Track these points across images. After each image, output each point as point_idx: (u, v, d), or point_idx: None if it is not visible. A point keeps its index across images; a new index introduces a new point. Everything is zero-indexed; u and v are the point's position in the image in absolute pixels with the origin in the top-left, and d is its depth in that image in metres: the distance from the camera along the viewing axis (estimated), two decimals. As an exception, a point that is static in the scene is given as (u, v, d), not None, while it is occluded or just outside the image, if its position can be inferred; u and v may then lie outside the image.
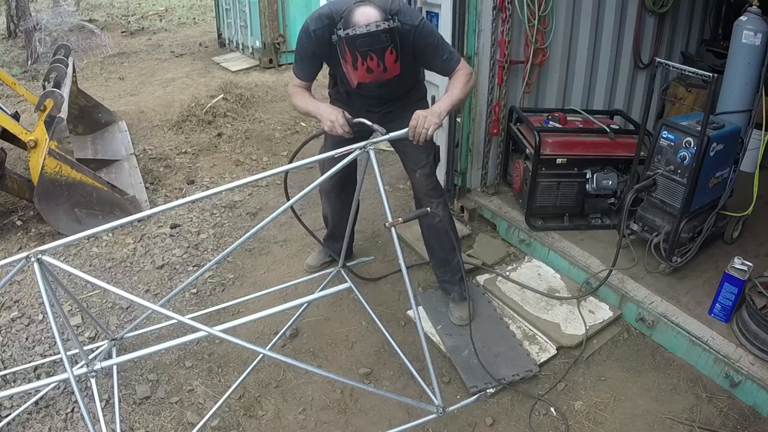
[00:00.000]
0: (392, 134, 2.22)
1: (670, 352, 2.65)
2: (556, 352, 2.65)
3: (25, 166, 4.20)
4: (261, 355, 2.42)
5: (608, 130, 3.33)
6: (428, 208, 2.20)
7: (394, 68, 2.11)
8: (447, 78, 2.42)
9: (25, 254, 1.82)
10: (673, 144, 2.81)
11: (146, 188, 4.21)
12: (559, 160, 3.23)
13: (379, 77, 2.12)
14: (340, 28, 2.08)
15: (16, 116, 4.31)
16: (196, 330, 1.86)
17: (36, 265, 1.81)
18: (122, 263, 3.42)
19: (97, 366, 1.84)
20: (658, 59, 2.90)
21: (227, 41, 9.14)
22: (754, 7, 3.50)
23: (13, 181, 3.62)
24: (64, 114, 3.63)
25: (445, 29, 3.41)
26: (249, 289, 3.13)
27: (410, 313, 2.87)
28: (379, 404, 2.42)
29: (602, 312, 2.86)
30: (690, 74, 2.80)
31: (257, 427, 2.34)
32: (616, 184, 3.26)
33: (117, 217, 3.49)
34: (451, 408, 2.12)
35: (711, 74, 2.58)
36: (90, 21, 11.24)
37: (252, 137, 5.42)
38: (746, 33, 3.52)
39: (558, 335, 2.71)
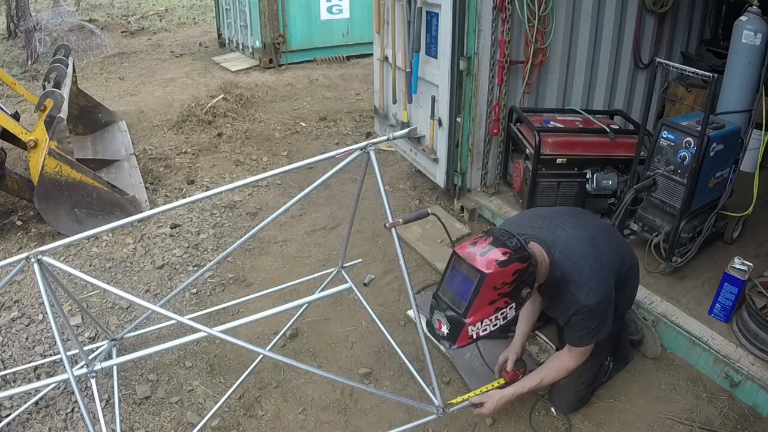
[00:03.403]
0: (394, 134, 2.23)
1: (670, 352, 2.65)
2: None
3: (25, 166, 4.20)
4: (261, 355, 2.41)
5: (608, 130, 3.32)
6: (428, 209, 2.20)
7: None
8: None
9: (25, 255, 1.82)
10: (673, 144, 2.81)
11: (146, 188, 4.22)
12: (559, 160, 3.23)
13: None
14: None
15: (16, 116, 4.31)
16: (196, 330, 1.86)
17: (36, 266, 1.80)
18: (122, 263, 3.42)
19: (97, 366, 1.84)
20: (658, 59, 2.89)
21: (227, 41, 9.14)
22: (754, 7, 3.49)
23: (13, 181, 3.62)
24: (64, 114, 3.63)
25: (445, 29, 3.41)
26: (249, 290, 3.13)
27: (410, 313, 2.87)
28: (379, 404, 2.42)
29: (602, 312, 2.85)
30: (690, 74, 2.80)
31: (257, 427, 2.34)
32: (616, 184, 3.26)
33: (117, 217, 3.49)
34: (452, 408, 2.13)
35: (711, 74, 2.57)
36: (90, 21, 11.24)
37: (252, 137, 5.42)
38: (746, 33, 3.51)
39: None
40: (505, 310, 1.86)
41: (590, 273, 2.05)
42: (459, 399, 2.24)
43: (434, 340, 1.97)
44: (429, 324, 1.98)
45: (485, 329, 1.85)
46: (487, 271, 1.78)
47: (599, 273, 2.07)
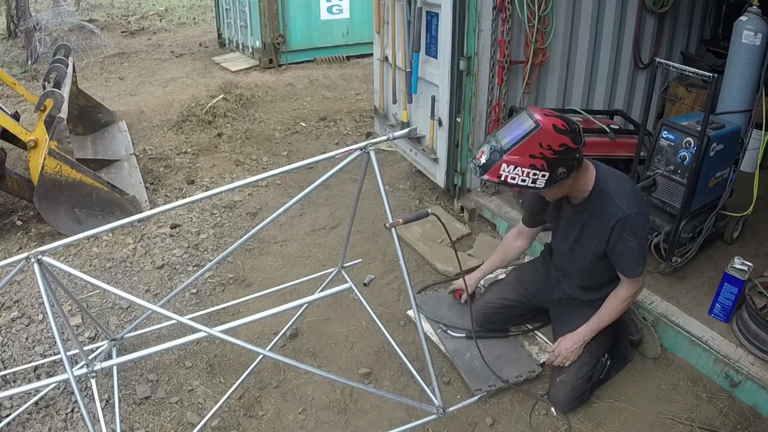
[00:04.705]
0: (394, 134, 2.23)
1: (670, 352, 2.65)
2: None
3: (25, 166, 4.20)
4: (261, 355, 2.41)
5: (608, 130, 3.33)
6: (428, 209, 2.20)
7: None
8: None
9: (25, 255, 1.82)
10: (673, 144, 2.81)
11: (146, 188, 4.22)
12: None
13: None
14: None
15: (16, 116, 4.31)
16: (196, 330, 1.86)
17: (36, 266, 1.80)
18: (122, 263, 3.42)
19: (97, 366, 1.84)
20: (658, 59, 2.89)
21: (227, 41, 9.15)
22: (754, 7, 3.49)
23: (13, 181, 3.62)
24: (64, 114, 3.63)
25: (445, 29, 3.41)
26: (249, 290, 3.13)
27: (410, 313, 2.87)
28: (379, 404, 2.42)
29: (602, 312, 2.85)
30: (690, 74, 2.80)
31: (257, 427, 2.34)
32: (616, 184, 3.25)
33: (117, 217, 3.49)
34: (452, 408, 2.13)
35: (711, 74, 2.57)
36: (90, 21, 11.25)
37: (252, 137, 5.42)
38: (746, 33, 3.52)
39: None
40: (537, 173, 1.99)
41: (631, 190, 2.22)
42: None
43: (472, 170, 2.16)
44: (472, 157, 2.18)
45: (513, 178, 2.00)
46: (541, 123, 1.97)
47: (638, 196, 2.24)
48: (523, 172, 1.99)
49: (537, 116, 2.00)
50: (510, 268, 2.89)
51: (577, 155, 2.04)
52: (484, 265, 2.78)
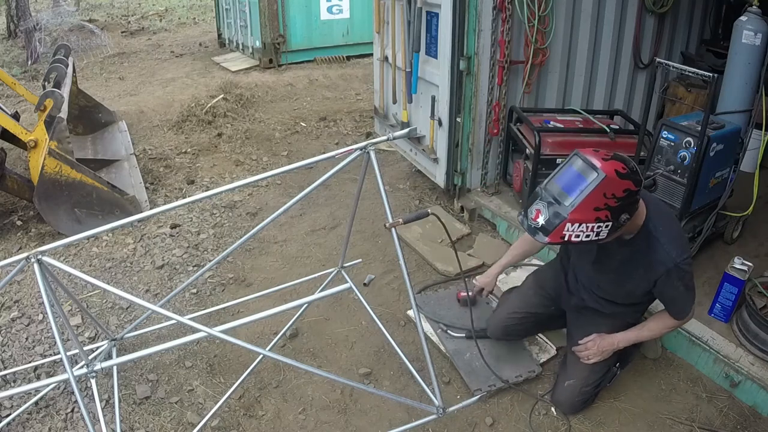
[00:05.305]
0: (394, 134, 2.23)
1: (670, 352, 2.65)
2: (556, 352, 2.65)
3: (25, 166, 4.20)
4: (261, 355, 2.41)
5: (608, 130, 3.33)
6: (428, 209, 2.20)
7: None
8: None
9: (25, 255, 1.82)
10: (673, 144, 2.81)
11: (146, 188, 4.22)
12: (559, 160, 3.21)
13: None
14: None
15: (16, 116, 4.31)
16: (196, 330, 1.86)
17: (36, 266, 1.80)
18: (122, 263, 3.42)
19: (97, 366, 1.84)
20: (658, 59, 2.90)
21: (227, 41, 9.14)
22: (754, 7, 3.49)
23: (13, 181, 3.62)
24: (64, 114, 3.63)
25: (445, 29, 3.41)
26: (249, 290, 3.13)
27: (410, 313, 2.87)
28: (379, 404, 2.42)
29: (602, 312, 2.85)
30: (690, 74, 2.80)
31: (257, 427, 2.34)
32: (616, 184, 3.25)
33: (117, 217, 3.49)
34: (452, 408, 2.13)
35: (711, 74, 2.58)
36: (90, 21, 11.24)
37: (252, 137, 5.42)
38: (746, 33, 3.51)
39: (558, 335, 2.71)
40: (602, 225, 1.81)
41: (679, 232, 2.09)
42: None
43: (525, 231, 1.93)
44: (523, 214, 1.95)
45: (578, 236, 1.82)
46: (605, 173, 1.78)
47: (684, 237, 2.13)
48: (587, 228, 1.80)
49: (596, 162, 1.80)
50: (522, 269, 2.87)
51: (638, 197, 1.88)
52: (504, 258, 2.60)
